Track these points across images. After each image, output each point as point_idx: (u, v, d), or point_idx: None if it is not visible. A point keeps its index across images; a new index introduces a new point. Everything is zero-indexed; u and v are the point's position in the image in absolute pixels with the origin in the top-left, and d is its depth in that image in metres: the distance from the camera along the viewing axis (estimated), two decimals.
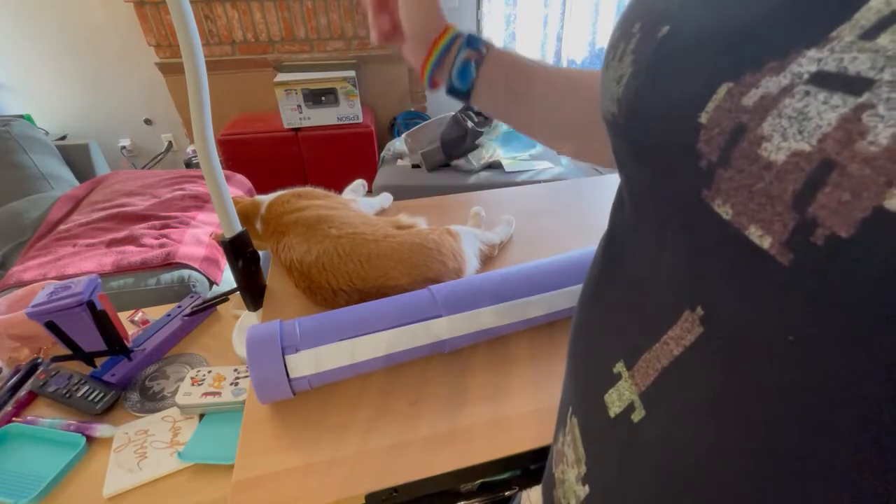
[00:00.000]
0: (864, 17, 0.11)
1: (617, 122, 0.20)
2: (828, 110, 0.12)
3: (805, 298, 0.13)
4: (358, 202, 0.76)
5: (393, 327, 0.46)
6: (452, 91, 0.39)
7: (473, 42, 0.38)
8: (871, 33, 0.11)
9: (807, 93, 0.12)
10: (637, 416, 0.19)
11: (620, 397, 0.21)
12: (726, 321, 0.15)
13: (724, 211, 0.14)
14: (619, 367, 0.21)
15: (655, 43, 0.17)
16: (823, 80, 0.12)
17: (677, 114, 0.16)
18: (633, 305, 0.21)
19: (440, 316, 0.48)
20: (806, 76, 0.12)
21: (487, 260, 0.67)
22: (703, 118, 0.15)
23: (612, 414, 0.21)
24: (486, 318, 0.49)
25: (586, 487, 0.23)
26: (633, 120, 0.19)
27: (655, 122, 0.17)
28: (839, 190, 0.11)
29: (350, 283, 0.56)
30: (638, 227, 0.21)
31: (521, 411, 0.45)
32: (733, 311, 0.15)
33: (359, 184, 0.87)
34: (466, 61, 0.38)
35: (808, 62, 0.12)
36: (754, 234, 0.14)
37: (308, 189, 0.71)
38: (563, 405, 0.28)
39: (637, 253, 0.21)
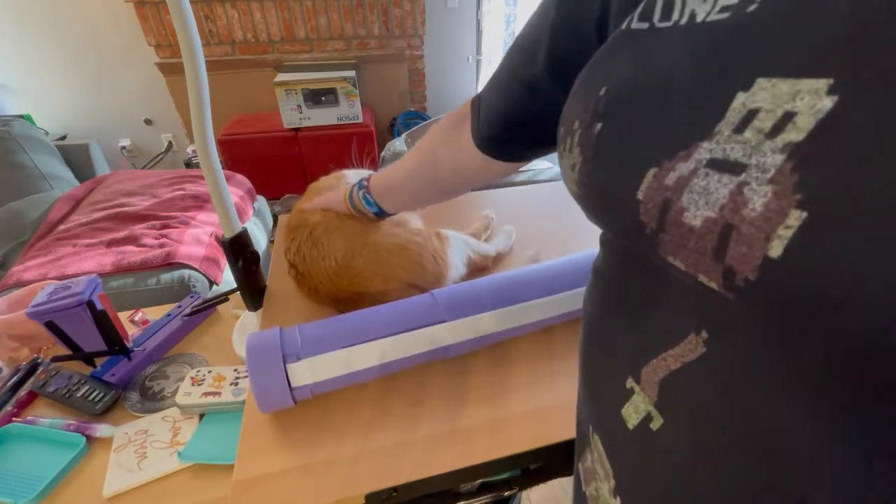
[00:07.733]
0: (732, 115, 0.15)
1: (581, 199, 0.24)
2: (721, 187, 0.15)
3: (751, 322, 0.16)
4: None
5: (396, 333, 0.46)
6: (377, 213, 0.56)
7: (360, 184, 0.55)
8: (739, 128, 0.15)
9: (707, 174, 0.16)
10: (655, 424, 0.21)
11: (637, 410, 0.22)
12: (725, 343, 0.18)
13: (679, 264, 0.18)
14: (630, 382, 0.23)
15: (593, 138, 0.21)
16: (715, 164, 0.15)
17: (621, 192, 0.19)
18: (638, 327, 0.23)
19: (443, 321, 0.47)
20: (705, 161, 0.16)
21: (481, 269, 0.66)
22: (640, 195, 0.18)
23: (630, 426, 0.23)
24: (489, 322, 0.49)
25: (618, 499, 0.24)
26: (591, 198, 0.23)
27: (607, 199, 0.21)
28: (739, 245, 0.15)
29: (329, 281, 0.55)
30: (630, 266, 0.24)
31: (521, 411, 0.45)
32: (728, 335, 0.18)
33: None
34: (364, 195, 0.55)
35: (704, 151, 0.16)
36: (704, 279, 0.17)
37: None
38: (582, 425, 0.30)
39: (637, 284, 0.23)
